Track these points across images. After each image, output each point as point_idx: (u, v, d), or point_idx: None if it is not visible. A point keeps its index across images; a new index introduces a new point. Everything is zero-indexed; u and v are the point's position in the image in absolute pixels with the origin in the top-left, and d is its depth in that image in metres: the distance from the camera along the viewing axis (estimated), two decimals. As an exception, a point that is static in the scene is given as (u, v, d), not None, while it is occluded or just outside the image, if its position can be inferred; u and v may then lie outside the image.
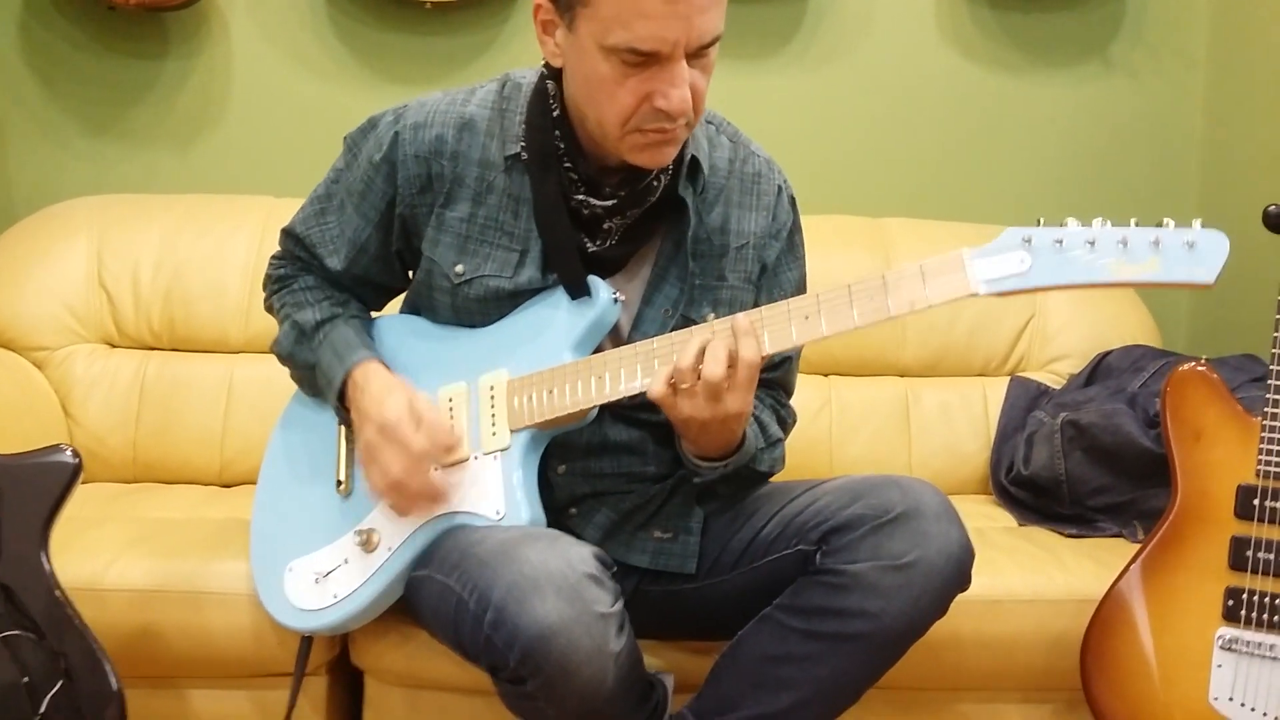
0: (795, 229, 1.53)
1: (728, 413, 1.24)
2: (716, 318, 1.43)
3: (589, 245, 1.40)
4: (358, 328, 1.50)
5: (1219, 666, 1.39)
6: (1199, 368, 1.46)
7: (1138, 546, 1.50)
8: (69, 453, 1.30)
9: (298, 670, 1.50)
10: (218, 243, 2.17)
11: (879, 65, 2.45)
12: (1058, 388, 2.12)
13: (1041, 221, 1.21)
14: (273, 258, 1.59)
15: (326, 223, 1.51)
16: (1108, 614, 1.45)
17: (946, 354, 2.19)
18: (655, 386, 1.26)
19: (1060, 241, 1.18)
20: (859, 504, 1.27)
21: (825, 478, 1.40)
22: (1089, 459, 1.82)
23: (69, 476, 1.29)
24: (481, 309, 1.43)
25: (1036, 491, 1.89)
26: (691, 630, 1.47)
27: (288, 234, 1.55)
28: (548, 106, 1.38)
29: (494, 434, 1.38)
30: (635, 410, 1.45)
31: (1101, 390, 1.95)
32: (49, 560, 1.29)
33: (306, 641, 1.51)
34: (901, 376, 2.21)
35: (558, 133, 1.37)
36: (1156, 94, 2.49)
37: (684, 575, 1.43)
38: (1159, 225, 1.14)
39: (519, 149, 1.40)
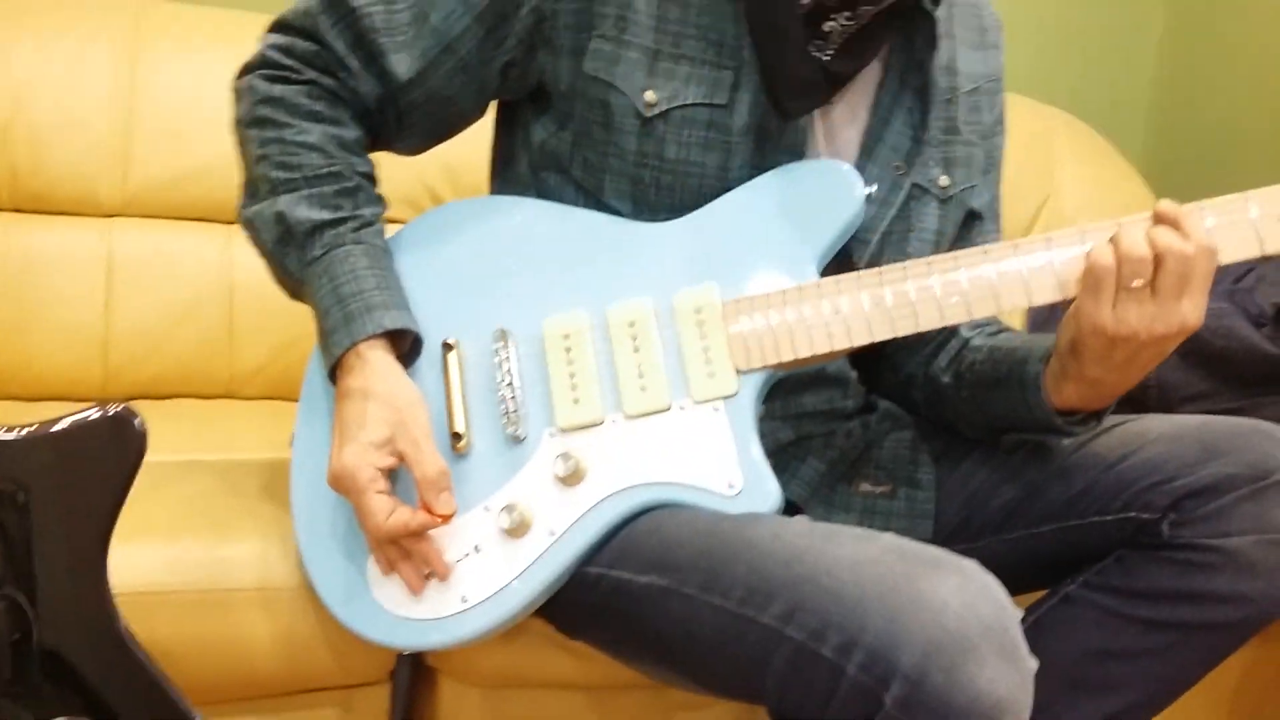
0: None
1: (1184, 324, 0.90)
2: (950, 182, 1.11)
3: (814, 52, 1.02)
4: (372, 252, 1.03)
5: None
6: None
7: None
8: (137, 421, 0.78)
9: (397, 706, 1.06)
10: (70, 56, 1.54)
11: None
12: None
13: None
14: (272, 48, 1.06)
15: (394, 5, 1.03)
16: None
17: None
18: (1097, 268, 0.91)
19: None
20: (1222, 461, 0.99)
21: (1114, 418, 1.11)
22: (1187, 363, 1.64)
23: (135, 455, 0.78)
24: (679, 166, 1.02)
25: (1110, 396, 1.71)
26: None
27: (331, 6, 1.03)
28: None
29: (710, 375, 0.99)
30: None
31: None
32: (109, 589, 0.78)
33: (409, 661, 1.07)
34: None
35: None
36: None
37: (909, 541, 1.12)
38: None
39: None
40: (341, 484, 0.95)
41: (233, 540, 1.08)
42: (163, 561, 1.05)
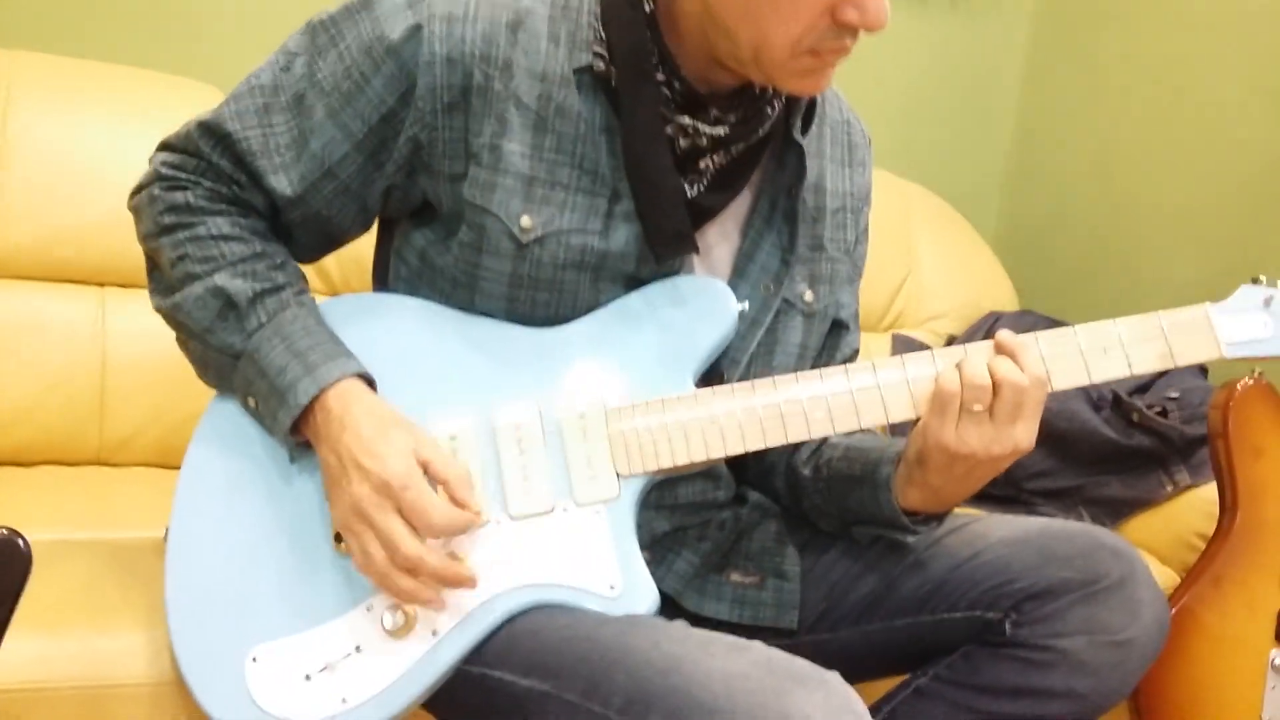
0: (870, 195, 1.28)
1: (1017, 446, 1.00)
2: (814, 298, 1.17)
3: (687, 190, 1.08)
4: (316, 313, 1.06)
5: (1273, 689, 1.39)
6: (1260, 382, 1.42)
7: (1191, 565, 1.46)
8: (21, 543, 0.77)
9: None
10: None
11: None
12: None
13: (1264, 280, 1.09)
14: (164, 164, 1.08)
15: (272, 124, 1.06)
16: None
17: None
18: (943, 393, 0.99)
19: None
20: (1058, 566, 1.08)
21: (961, 514, 1.19)
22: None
23: (19, 580, 0.77)
24: (554, 285, 1.06)
25: (962, 468, 1.82)
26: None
27: (207, 131, 1.06)
28: (637, 1, 1.03)
29: (592, 479, 1.03)
30: None
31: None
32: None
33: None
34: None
35: (649, 34, 1.03)
36: (985, 37, 2.45)
37: (774, 630, 1.18)
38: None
39: (591, 59, 1.04)
40: (391, 490, 0.94)
41: (111, 632, 1.07)
42: (37, 655, 1.03)
